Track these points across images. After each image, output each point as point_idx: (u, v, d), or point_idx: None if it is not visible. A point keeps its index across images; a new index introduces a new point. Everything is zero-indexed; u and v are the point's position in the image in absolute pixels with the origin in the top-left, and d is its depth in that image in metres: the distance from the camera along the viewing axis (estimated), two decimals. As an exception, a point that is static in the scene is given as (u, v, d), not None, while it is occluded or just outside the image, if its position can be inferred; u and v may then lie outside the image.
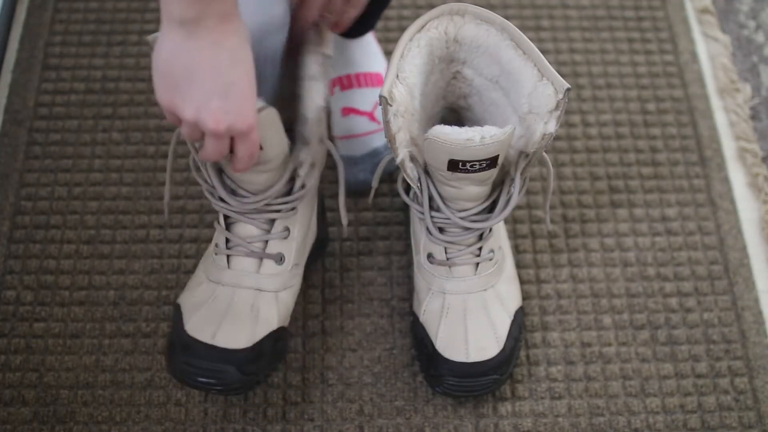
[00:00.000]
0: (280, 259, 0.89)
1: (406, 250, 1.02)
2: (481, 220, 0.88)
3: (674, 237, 1.05)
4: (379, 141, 1.03)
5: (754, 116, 1.15)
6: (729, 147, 1.11)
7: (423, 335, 0.92)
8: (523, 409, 0.94)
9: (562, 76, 1.16)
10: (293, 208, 0.89)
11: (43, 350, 0.95)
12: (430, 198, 0.88)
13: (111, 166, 1.07)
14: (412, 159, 0.85)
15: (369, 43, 1.06)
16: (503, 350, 0.90)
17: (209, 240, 1.02)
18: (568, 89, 0.80)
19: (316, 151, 0.85)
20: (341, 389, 0.94)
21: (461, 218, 0.87)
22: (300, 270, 0.92)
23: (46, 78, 1.13)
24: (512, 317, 0.92)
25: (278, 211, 0.88)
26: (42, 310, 0.98)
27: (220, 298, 0.87)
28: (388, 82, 0.80)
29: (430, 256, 0.91)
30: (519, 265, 1.02)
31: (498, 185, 0.88)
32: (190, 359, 0.84)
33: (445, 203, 0.87)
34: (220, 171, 0.86)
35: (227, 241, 0.88)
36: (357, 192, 1.05)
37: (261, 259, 0.88)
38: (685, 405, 0.94)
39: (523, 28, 1.19)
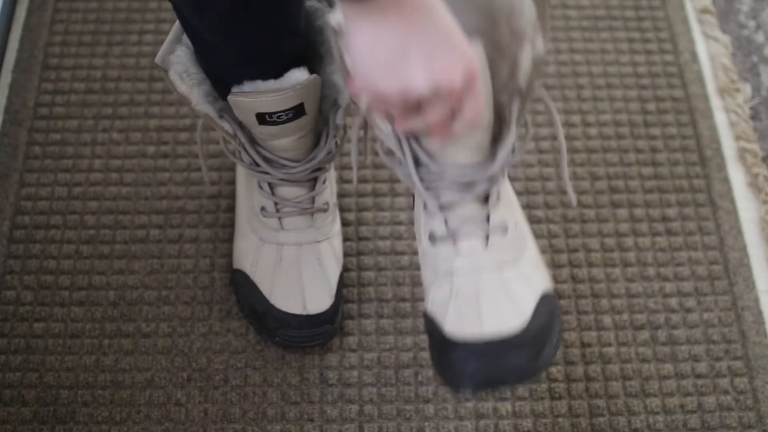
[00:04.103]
0: (327, 206, 0.94)
1: (406, 250, 1.02)
2: (477, 171, 0.77)
3: (674, 237, 1.05)
4: None
5: (754, 116, 1.15)
6: (729, 147, 1.11)
7: (432, 328, 0.79)
8: (523, 409, 0.94)
9: (562, 76, 1.16)
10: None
11: (43, 350, 0.95)
12: (416, 158, 0.78)
13: (111, 166, 1.07)
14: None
15: None
16: (527, 329, 0.75)
17: (209, 240, 1.02)
18: None
19: (345, 99, 0.90)
20: (341, 389, 0.94)
21: (456, 171, 0.77)
22: (336, 206, 0.98)
23: (46, 78, 1.13)
24: (539, 298, 0.78)
25: (321, 169, 0.93)
26: (42, 310, 0.98)
27: (286, 260, 0.93)
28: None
29: (431, 237, 0.79)
30: (519, 265, 1.02)
31: (497, 138, 0.78)
32: (287, 332, 0.92)
33: (432, 159, 0.77)
34: (253, 143, 0.89)
35: (275, 203, 0.93)
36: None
37: (312, 214, 0.93)
38: (685, 405, 0.94)
39: (523, 28, 1.19)
